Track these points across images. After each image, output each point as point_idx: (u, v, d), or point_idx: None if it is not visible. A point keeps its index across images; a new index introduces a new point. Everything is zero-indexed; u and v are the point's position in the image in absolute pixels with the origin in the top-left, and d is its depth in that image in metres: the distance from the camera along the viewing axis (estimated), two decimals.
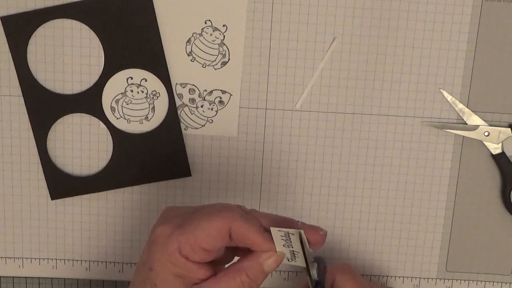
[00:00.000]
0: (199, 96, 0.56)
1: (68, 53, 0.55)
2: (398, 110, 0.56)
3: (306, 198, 0.58)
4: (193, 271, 0.43)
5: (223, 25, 0.55)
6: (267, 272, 0.44)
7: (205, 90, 0.56)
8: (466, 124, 0.56)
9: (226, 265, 0.45)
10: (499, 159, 0.56)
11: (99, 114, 0.56)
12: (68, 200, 0.58)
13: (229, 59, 0.55)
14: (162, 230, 0.43)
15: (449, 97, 0.56)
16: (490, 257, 0.57)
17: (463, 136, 0.56)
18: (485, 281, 0.59)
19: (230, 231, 0.42)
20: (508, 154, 0.56)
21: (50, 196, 0.57)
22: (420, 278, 0.59)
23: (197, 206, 0.46)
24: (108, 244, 0.59)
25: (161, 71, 0.55)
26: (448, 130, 0.56)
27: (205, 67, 0.55)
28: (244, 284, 0.43)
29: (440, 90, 0.56)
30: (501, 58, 0.55)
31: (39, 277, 0.60)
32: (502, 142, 0.56)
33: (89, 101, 0.56)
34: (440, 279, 0.59)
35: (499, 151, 0.56)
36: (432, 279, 0.59)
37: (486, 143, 0.56)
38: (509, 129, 0.56)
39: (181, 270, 0.43)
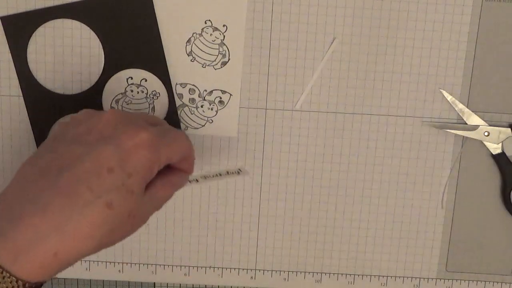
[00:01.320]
0: (199, 96, 0.56)
1: (68, 53, 0.55)
2: (398, 110, 0.56)
3: (306, 198, 0.58)
4: (153, 176, 0.44)
5: (223, 25, 0.55)
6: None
7: (205, 90, 0.56)
8: (466, 124, 0.56)
9: None
10: (499, 159, 0.56)
11: None
12: None
13: (229, 59, 0.55)
14: (147, 138, 0.42)
15: (449, 97, 0.56)
16: (490, 257, 0.56)
17: (463, 136, 0.56)
18: (485, 281, 0.59)
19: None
20: (508, 154, 0.56)
21: None
22: (420, 278, 0.59)
23: (139, 113, 0.49)
24: None
25: (161, 71, 0.55)
26: (448, 130, 0.56)
27: (205, 67, 0.55)
28: (171, 194, 0.47)
29: (440, 90, 0.56)
30: (501, 58, 0.55)
31: None
32: (502, 142, 0.56)
33: (89, 101, 0.56)
34: (440, 279, 0.59)
35: (499, 151, 0.56)
36: (432, 279, 0.59)
37: (486, 143, 0.56)
38: (509, 129, 0.56)
39: (150, 177, 0.44)
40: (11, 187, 0.42)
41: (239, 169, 0.54)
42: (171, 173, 0.46)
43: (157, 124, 0.46)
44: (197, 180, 0.53)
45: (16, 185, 0.41)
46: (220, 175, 0.54)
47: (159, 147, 0.43)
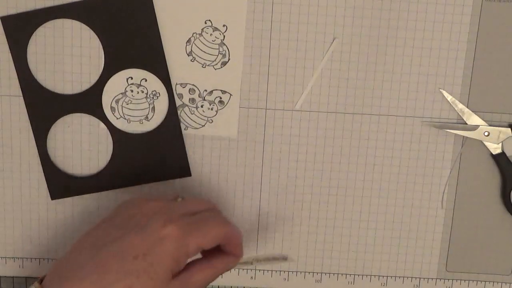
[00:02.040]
0: (199, 96, 0.56)
1: (68, 53, 0.55)
2: (398, 110, 0.56)
3: (306, 198, 0.58)
4: (183, 264, 0.47)
5: (223, 25, 0.55)
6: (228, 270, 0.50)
7: (205, 90, 0.56)
8: (466, 124, 0.56)
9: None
10: (499, 159, 0.56)
11: (99, 114, 0.56)
12: (68, 200, 0.58)
13: (229, 59, 0.55)
14: (173, 230, 0.46)
15: (449, 97, 0.56)
16: (490, 257, 0.57)
17: (463, 136, 0.56)
18: (485, 281, 0.59)
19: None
20: (508, 154, 0.56)
21: (50, 196, 0.57)
22: (420, 278, 0.59)
23: (171, 200, 0.51)
24: None
25: (161, 71, 0.55)
26: (448, 130, 0.56)
27: (205, 67, 0.55)
28: (211, 277, 0.49)
29: (440, 90, 0.56)
30: (501, 58, 0.55)
31: (39, 277, 0.60)
32: (502, 142, 0.56)
33: (89, 101, 0.56)
34: (440, 279, 0.59)
35: (499, 151, 0.56)
36: (432, 279, 0.59)
37: (486, 143, 0.56)
38: (509, 129, 0.56)
39: (178, 265, 0.47)
40: (70, 251, 0.49)
41: (285, 256, 0.56)
42: (215, 256, 0.49)
43: (197, 212, 0.49)
44: (251, 263, 0.54)
45: (73, 251, 0.49)
46: (268, 259, 0.55)
47: (186, 239, 0.46)
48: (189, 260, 0.48)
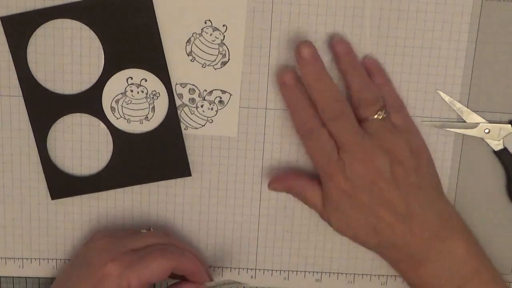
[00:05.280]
0: (199, 96, 0.56)
1: (68, 53, 0.55)
2: None
3: None
4: None
5: (223, 25, 0.55)
6: None
7: (205, 90, 0.56)
8: (466, 122, 0.56)
9: None
10: (502, 155, 0.56)
11: (99, 114, 0.56)
12: (68, 200, 0.58)
13: (229, 59, 0.55)
14: (113, 269, 0.49)
15: (447, 98, 0.56)
16: (490, 257, 0.56)
17: (464, 134, 0.56)
18: None
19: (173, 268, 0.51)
20: (510, 149, 0.56)
21: (50, 196, 0.58)
22: None
23: (129, 234, 0.54)
24: None
25: (161, 71, 0.55)
26: (449, 129, 0.56)
27: (205, 67, 0.55)
28: None
29: (437, 91, 0.56)
30: (501, 58, 0.55)
31: (39, 277, 0.60)
32: (503, 138, 0.56)
33: (89, 101, 0.56)
34: None
35: (501, 147, 0.56)
36: None
37: (487, 140, 0.56)
38: (510, 125, 0.56)
39: None
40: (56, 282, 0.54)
41: (239, 282, 0.57)
42: (179, 285, 0.53)
43: (150, 246, 0.52)
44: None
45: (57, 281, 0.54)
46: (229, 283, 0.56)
47: (128, 275, 0.49)
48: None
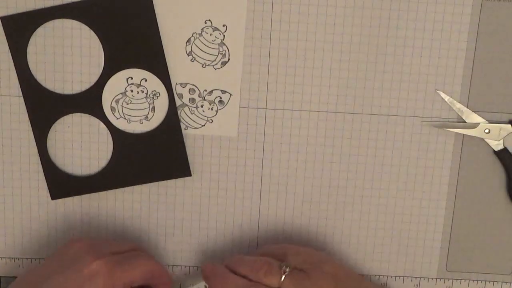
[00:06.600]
0: (199, 96, 0.56)
1: (68, 53, 0.55)
2: (398, 110, 0.56)
3: (306, 198, 0.58)
4: None
5: (223, 25, 0.55)
6: None
7: (205, 90, 0.56)
8: (466, 122, 0.56)
9: None
10: (502, 155, 0.56)
11: (99, 114, 0.56)
12: (68, 200, 0.58)
13: (229, 59, 0.55)
14: (100, 266, 0.48)
15: (447, 98, 0.56)
16: (490, 256, 0.57)
17: (464, 134, 0.56)
18: (485, 281, 0.59)
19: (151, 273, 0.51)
20: (511, 149, 0.56)
21: (50, 196, 0.58)
22: (420, 278, 0.59)
23: (109, 240, 0.55)
24: None
25: (161, 71, 0.55)
26: (449, 129, 0.56)
27: (205, 67, 0.55)
28: None
29: (437, 91, 0.56)
30: (501, 58, 0.55)
31: None
32: (503, 138, 0.56)
33: (89, 101, 0.56)
34: (440, 279, 0.59)
35: (501, 147, 0.56)
36: (432, 279, 0.59)
37: (487, 140, 0.56)
38: (510, 125, 0.56)
39: None
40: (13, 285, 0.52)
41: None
42: None
43: (125, 251, 0.52)
44: None
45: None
46: None
47: (114, 274, 0.49)
48: None
